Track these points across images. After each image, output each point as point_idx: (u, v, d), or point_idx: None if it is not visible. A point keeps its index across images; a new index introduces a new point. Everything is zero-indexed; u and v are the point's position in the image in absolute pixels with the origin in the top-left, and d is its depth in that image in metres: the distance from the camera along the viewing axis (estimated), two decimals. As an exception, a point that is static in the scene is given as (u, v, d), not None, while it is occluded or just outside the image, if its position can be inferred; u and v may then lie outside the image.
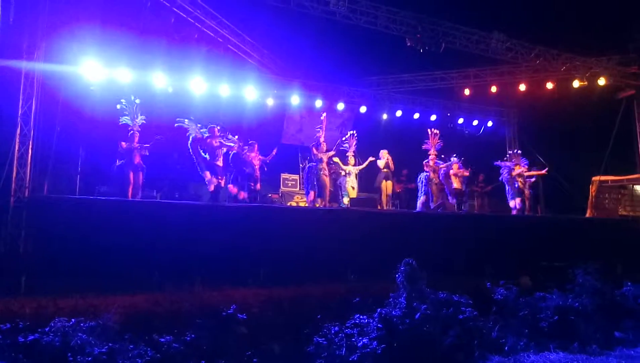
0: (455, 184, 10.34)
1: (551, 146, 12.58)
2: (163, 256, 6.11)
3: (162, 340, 4.77)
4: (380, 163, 10.09)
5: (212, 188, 8.09)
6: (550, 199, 12.32)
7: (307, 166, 9.31)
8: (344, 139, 10.32)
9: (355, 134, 10.20)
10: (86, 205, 6.40)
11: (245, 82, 10.82)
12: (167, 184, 10.40)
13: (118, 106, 8.21)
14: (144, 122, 8.36)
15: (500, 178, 10.78)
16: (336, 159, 9.86)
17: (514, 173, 10.46)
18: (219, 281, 5.95)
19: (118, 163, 8.08)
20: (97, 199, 6.88)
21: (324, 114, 9.42)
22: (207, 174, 8.11)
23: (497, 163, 10.82)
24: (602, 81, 11.21)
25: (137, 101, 8.31)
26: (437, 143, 10.33)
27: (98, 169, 8.67)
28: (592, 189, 12.55)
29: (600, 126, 12.01)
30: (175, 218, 6.54)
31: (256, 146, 9.30)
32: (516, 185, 10.41)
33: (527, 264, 7.85)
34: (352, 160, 10.07)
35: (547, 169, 11.11)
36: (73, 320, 4.71)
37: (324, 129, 9.24)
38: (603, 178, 12.42)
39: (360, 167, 10.06)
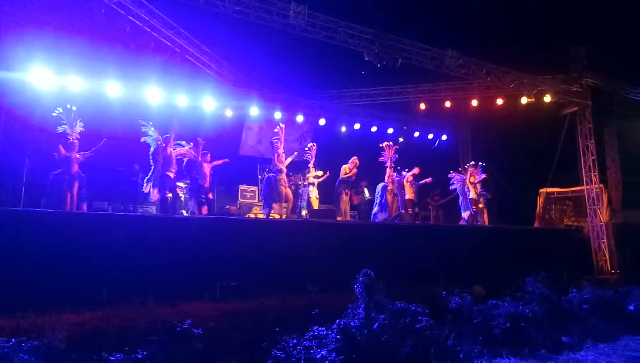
0: (408, 195, 10.56)
1: (502, 159, 13.08)
2: (113, 270, 5.86)
3: (112, 358, 4.55)
4: (343, 171, 9.90)
5: (155, 197, 7.88)
6: (501, 210, 12.75)
7: (266, 177, 9.24)
8: (306, 149, 10.35)
9: (315, 146, 10.26)
10: (30, 218, 6.05)
11: (203, 92, 10.69)
12: (124, 197, 10.06)
13: (54, 114, 7.91)
14: (83, 129, 8.09)
15: (451, 188, 11.09)
16: (317, 173, 9.88)
17: (466, 183, 10.78)
18: (173, 296, 5.77)
19: (55, 172, 7.77)
20: (42, 212, 6.53)
21: (282, 125, 9.39)
22: (148, 186, 7.96)
23: (451, 174, 11.13)
24: (547, 98, 11.78)
25: (74, 108, 8.04)
26: (394, 155, 10.52)
27: (44, 180, 8.28)
28: (540, 200, 13.15)
29: (546, 140, 12.61)
30: (127, 230, 6.30)
31: (209, 156, 9.13)
32: (468, 195, 10.73)
33: (480, 273, 8.06)
34: (313, 171, 10.09)
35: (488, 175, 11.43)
36: (13, 340, 4.41)
37: (282, 140, 9.21)
38: (550, 190, 13.03)
39: (321, 179, 10.12)
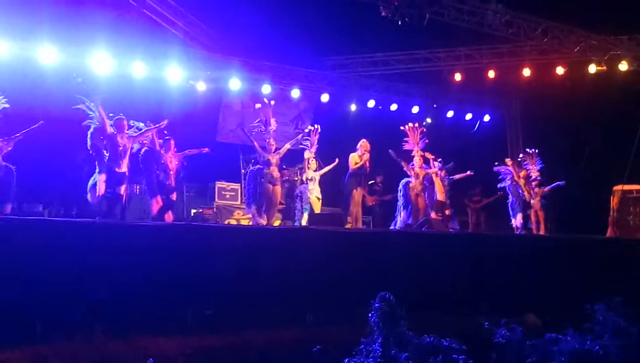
0: (440, 194, 10.53)
1: (562, 147, 13.04)
2: (48, 297, 5.83)
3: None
4: (352, 160, 9.79)
5: (100, 192, 7.92)
6: (561, 215, 12.72)
7: (249, 170, 9.21)
8: (305, 131, 10.23)
9: (319, 129, 10.14)
10: None
11: (166, 59, 10.75)
12: (65, 198, 10.07)
13: None
14: (7, 106, 8.03)
15: (500, 185, 11.03)
16: (313, 164, 9.85)
17: (516, 178, 10.71)
18: (128, 329, 5.77)
19: None
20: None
21: (268, 102, 9.31)
22: (102, 177, 7.91)
23: (497, 167, 11.08)
24: (623, 66, 11.75)
25: None
26: (421, 141, 10.37)
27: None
28: (614, 201, 13.04)
29: (622, 122, 12.55)
30: (67, 242, 6.26)
31: (172, 142, 9.02)
32: (521, 193, 10.67)
33: (534, 297, 8.03)
34: (313, 163, 10.05)
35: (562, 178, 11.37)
36: None
37: (269, 121, 9.09)
38: (627, 187, 12.95)
39: (324, 171, 10.02)
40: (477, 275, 8.19)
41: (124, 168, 8.11)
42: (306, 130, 10.32)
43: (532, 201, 10.85)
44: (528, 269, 8.57)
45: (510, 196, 10.87)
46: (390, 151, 10.06)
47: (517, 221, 10.74)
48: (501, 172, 11.02)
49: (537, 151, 11.18)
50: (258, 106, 9.25)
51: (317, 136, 10.06)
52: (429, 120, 13.62)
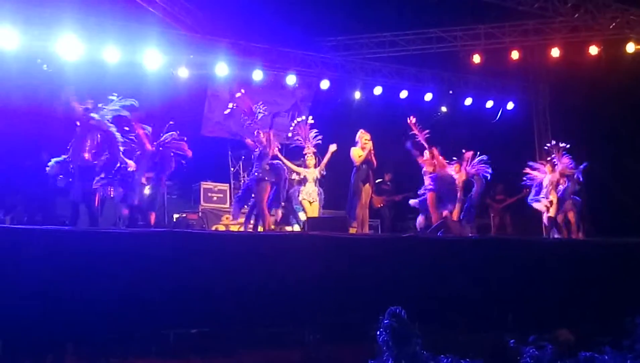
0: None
1: (597, 138, 13.02)
2: (10, 316, 5.84)
3: None
4: (355, 154, 9.76)
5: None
6: (597, 215, 12.71)
7: (254, 171, 9.11)
8: (294, 123, 10.19)
9: (309, 120, 10.10)
10: None
11: (143, 42, 10.74)
12: (29, 202, 10.08)
13: None
14: None
15: (531, 183, 11.01)
16: (311, 160, 9.85)
17: (549, 176, 10.69)
18: (103, 350, 5.78)
19: None
20: None
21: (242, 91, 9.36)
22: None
23: (533, 165, 11.04)
24: (667, 44, 11.75)
25: None
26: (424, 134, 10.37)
27: None
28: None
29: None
30: (31, 252, 6.27)
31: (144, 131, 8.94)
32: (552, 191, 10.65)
33: (566, 310, 8.04)
34: (311, 159, 10.04)
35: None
36: None
37: (251, 112, 9.09)
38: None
39: (322, 166, 9.96)
40: (502, 285, 8.18)
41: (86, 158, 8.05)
42: (294, 123, 10.19)
43: (565, 201, 10.84)
44: (559, 277, 8.57)
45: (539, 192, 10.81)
46: (406, 141, 10.06)
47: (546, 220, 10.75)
48: (536, 169, 10.98)
49: (564, 145, 11.15)
50: (231, 105, 9.30)
51: (307, 128, 10.05)
52: (444, 109, 13.65)
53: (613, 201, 13.16)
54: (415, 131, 10.36)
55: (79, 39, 10.14)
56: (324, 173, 9.91)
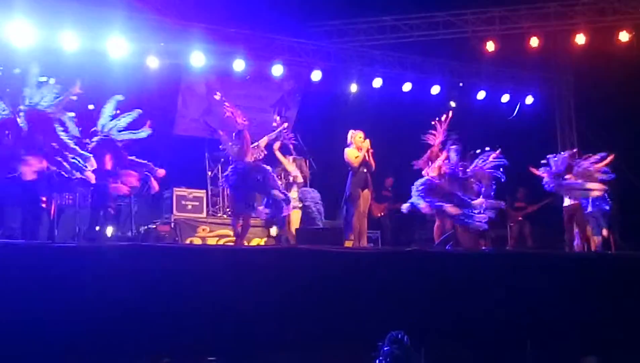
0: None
1: (630, 138, 13.03)
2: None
3: None
4: (351, 155, 9.69)
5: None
6: (629, 227, 12.72)
7: (230, 175, 9.08)
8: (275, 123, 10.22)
9: (285, 125, 10.13)
10: None
11: (106, 27, 10.71)
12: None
13: None
14: None
15: (547, 187, 10.96)
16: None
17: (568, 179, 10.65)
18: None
19: None
20: None
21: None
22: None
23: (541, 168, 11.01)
24: None
25: None
26: (445, 136, 10.27)
27: None
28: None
29: None
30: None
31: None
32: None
33: (593, 334, 8.02)
34: (290, 163, 10.13)
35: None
36: None
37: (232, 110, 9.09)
38: None
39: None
40: (519, 305, 8.17)
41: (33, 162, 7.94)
42: (278, 129, 10.08)
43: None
44: (585, 297, 8.57)
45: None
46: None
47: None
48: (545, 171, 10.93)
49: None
50: (217, 96, 9.27)
51: (286, 129, 10.12)
52: (453, 103, 13.61)
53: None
54: (438, 130, 10.19)
55: (32, 24, 10.11)
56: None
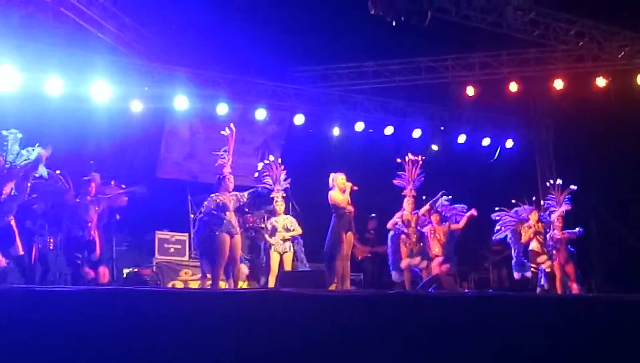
0: (435, 247, 10.51)
1: (606, 179, 13.09)
2: None
3: None
4: (336, 197, 9.47)
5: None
6: (608, 267, 12.72)
7: (199, 217, 9.04)
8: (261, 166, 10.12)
9: (279, 161, 10.09)
10: None
11: (91, 72, 10.77)
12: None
13: None
14: None
15: (494, 237, 11.03)
16: (280, 206, 9.77)
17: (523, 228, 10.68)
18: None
19: None
20: None
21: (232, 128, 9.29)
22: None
23: (494, 215, 11.02)
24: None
25: None
26: (417, 177, 10.42)
27: None
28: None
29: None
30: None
31: (94, 182, 8.98)
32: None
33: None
34: (281, 205, 9.96)
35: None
36: None
37: (231, 151, 9.07)
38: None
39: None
40: (503, 348, 8.08)
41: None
42: (265, 161, 10.15)
43: (552, 251, 10.76)
44: (574, 341, 8.48)
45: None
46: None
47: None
48: (501, 219, 10.98)
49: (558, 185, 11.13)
50: (225, 132, 9.16)
51: (279, 170, 10.01)
52: (434, 147, 13.68)
53: (624, 249, 13.17)
54: (407, 171, 10.35)
55: (17, 69, 10.15)
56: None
